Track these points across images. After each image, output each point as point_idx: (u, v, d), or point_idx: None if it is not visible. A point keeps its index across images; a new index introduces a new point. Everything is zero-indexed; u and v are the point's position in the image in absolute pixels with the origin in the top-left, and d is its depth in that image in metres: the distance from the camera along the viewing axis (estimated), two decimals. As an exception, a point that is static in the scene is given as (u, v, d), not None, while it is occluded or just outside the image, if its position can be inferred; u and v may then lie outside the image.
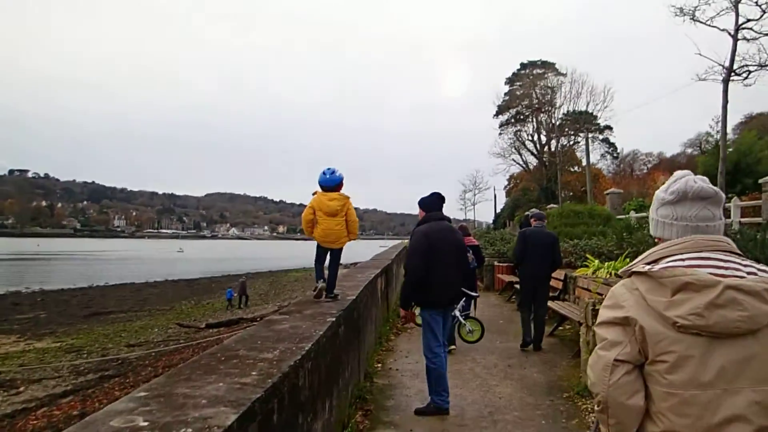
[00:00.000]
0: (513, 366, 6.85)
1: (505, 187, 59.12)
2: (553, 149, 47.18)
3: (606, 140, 49.83)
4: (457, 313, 7.51)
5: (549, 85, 48.38)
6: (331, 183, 5.03)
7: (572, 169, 46.28)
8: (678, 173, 1.75)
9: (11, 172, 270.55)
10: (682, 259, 1.56)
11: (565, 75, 46.62)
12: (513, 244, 12.80)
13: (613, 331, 1.59)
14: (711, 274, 1.49)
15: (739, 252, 1.60)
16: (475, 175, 57.99)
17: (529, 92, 49.06)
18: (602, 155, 50.98)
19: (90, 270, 54.60)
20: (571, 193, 41.37)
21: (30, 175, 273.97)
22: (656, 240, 1.76)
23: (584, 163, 43.67)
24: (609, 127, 47.55)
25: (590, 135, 40.29)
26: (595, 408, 1.65)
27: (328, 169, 5.13)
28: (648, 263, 1.63)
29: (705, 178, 1.71)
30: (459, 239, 5.46)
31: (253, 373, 2.30)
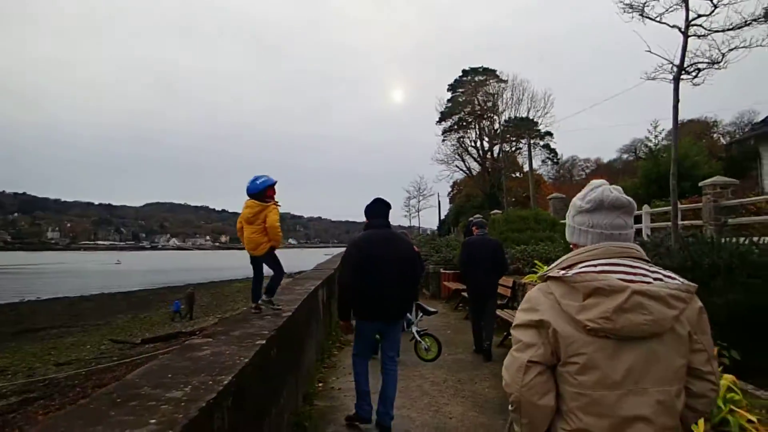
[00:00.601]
0: (463, 381, 6.51)
1: (449, 193, 59.24)
2: (495, 155, 47.63)
3: (547, 146, 50.63)
4: (414, 331, 7.17)
5: (491, 91, 48.71)
6: (252, 190, 4.94)
7: (514, 175, 46.84)
8: (594, 182, 1.83)
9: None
10: (594, 265, 1.62)
11: (506, 82, 47.01)
12: (459, 251, 12.66)
13: (527, 333, 1.65)
14: (620, 279, 1.56)
15: (647, 258, 1.69)
16: (419, 182, 57.52)
17: (471, 99, 49.14)
18: (543, 161, 51.81)
19: (21, 284, 51.91)
20: (514, 199, 41.78)
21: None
22: (572, 246, 1.84)
23: (526, 168, 44.38)
24: (549, 134, 48.32)
25: (531, 141, 40.77)
26: (510, 408, 1.70)
27: (255, 176, 5.01)
28: (563, 268, 1.68)
29: (619, 188, 1.78)
30: (403, 248, 5.07)
31: (152, 420, 1.84)
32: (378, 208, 5.19)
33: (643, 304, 1.51)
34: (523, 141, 43.33)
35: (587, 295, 1.55)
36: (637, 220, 13.75)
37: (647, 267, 1.64)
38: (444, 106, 51.83)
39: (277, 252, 5.16)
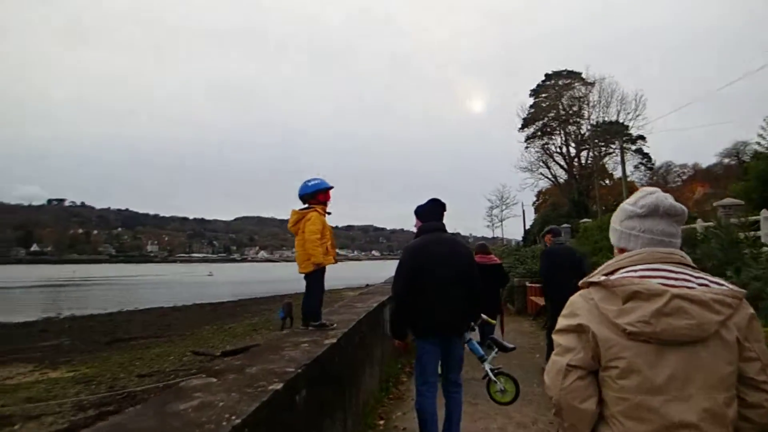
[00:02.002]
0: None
1: (534, 202, 56.96)
2: (583, 161, 45.35)
3: (639, 151, 47.48)
4: (488, 368, 5.91)
5: (576, 95, 46.56)
6: (301, 192, 4.43)
7: (603, 182, 44.31)
8: (647, 189, 1.78)
9: (49, 201, 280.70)
10: (635, 270, 1.61)
11: (592, 84, 44.60)
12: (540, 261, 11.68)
13: (567, 337, 1.63)
14: (661, 284, 1.53)
15: (692, 264, 1.64)
16: (501, 191, 55.65)
17: (555, 104, 47.21)
18: (636, 167, 48.36)
19: (122, 295, 54.37)
20: (604, 207, 39.43)
21: (67, 203, 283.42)
22: (616, 250, 1.79)
23: (616, 175, 41.89)
24: (642, 137, 45.39)
25: (623, 146, 38.34)
26: (552, 412, 1.68)
27: (309, 178, 4.48)
28: (605, 274, 1.66)
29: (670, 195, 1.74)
30: (462, 253, 4.37)
31: None
32: (433, 210, 4.49)
33: (684, 308, 1.48)
34: (613, 146, 41.02)
35: (626, 299, 1.54)
36: (755, 226, 11.98)
37: (691, 272, 1.60)
38: (526, 112, 50.05)
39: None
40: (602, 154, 44.59)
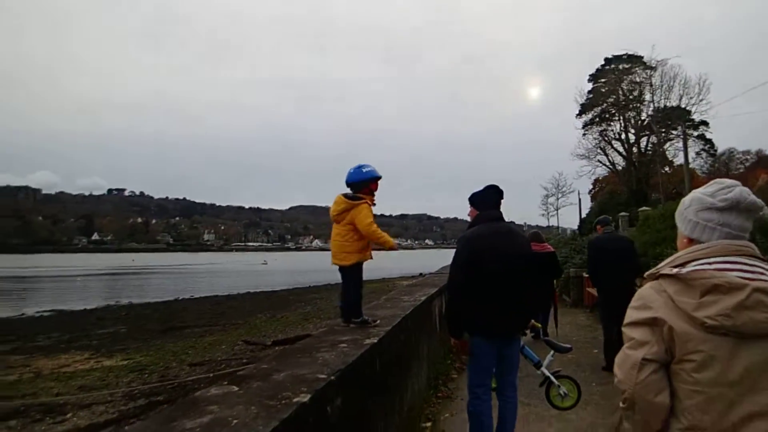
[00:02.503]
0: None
1: (590, 190, 55.23)
2: (642, 148, 43.56)
3: (701, 137, 45.17)
4: (547, 372, 5.37)
5: (636, 80, 44.66)
6: (353, 178, 4.10)
7: (663, 170, 42.45)
8: (727, 181, 1.72)
9: (110, 191, 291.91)
10: (710, 263, 1.58)
11: (654, 68, 42.62)
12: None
13: (641, 331, 1.62)
14: (738, 277, 1.51)
15: (763, 257, 1.61)
16: (557, 179, 54.16)
17: (614, 89, 45.37)
18: (697, 153, 46.04)
19: (178, 283, 55.64)
20: (662, 196, 37.75)
21: (127, 193, 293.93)
22: (685, 239, 1.75)
23: (676, 162, 40.12)
24: (704, 123, 43.14)
25: (686, 132, 36.56)
26: (621, 405, 1.66)
27: (360, 164, 4.16)
28: (675, 266, 1.63)
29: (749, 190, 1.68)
30: (520, 244, 4.03)
31: None
32: (489, 197, 4.10)
33: (765, 301, 1.45)
34: (674, 132, 39.22)
35: (705, 292, 1.51)
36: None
37: (764, 265, 1.56)
38: (585, 98, 48.39)
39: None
40: (663, 140, 42.72)
